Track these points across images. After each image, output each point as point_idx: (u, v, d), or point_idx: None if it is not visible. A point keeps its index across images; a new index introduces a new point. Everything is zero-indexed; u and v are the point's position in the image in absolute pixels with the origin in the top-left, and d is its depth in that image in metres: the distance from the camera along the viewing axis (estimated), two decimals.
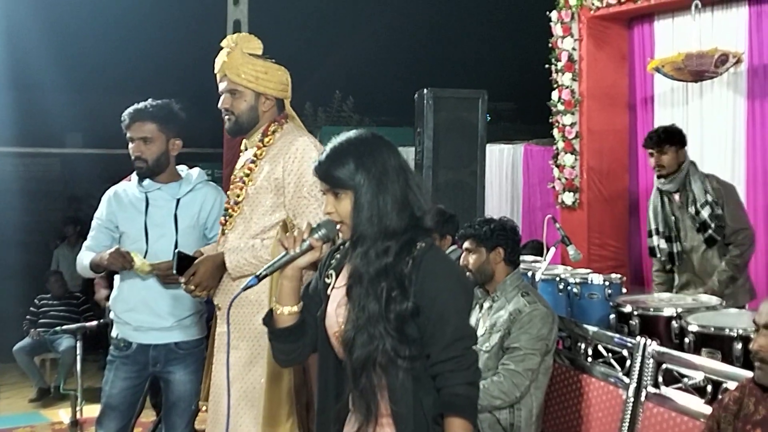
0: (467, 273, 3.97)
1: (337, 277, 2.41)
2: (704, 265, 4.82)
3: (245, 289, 2.34)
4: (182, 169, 3.95)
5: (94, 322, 4.50)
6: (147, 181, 3.82)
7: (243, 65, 3.27)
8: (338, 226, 2.33)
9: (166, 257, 3.60)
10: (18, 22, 10.72)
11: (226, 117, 3.35)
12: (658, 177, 4.85)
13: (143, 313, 3.75)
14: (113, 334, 3.90)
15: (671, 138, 4.84)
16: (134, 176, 3.87)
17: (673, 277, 5.04)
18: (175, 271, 3.31)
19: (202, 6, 11.95)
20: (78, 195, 12.02)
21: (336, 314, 2.35)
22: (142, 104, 3.79)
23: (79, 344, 4.49)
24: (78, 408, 4.57)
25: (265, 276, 2.33)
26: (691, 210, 4.79)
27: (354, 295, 2.29)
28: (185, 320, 3.78)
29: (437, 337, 2.24)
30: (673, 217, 4.93)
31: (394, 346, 2.22)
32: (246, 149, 3.44)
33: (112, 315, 3.95)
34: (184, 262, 3.30)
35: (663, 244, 4.97)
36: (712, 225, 4.73)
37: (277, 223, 3.23)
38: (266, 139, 3.31)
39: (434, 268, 2.27)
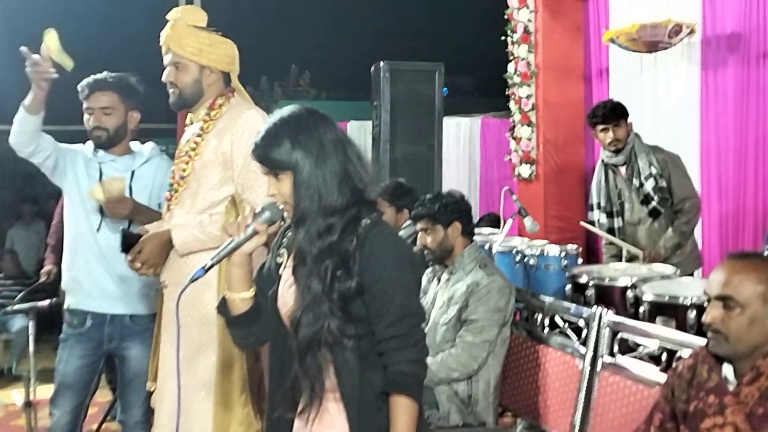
0: (427, 252, 3.97)
1: (289, 256, 2.38)
2: (652, 238, 4.87)
3: (192, 281, 2.28)
4: (135, 144, 3.89)
5: (47, 301, 4.42)
6: (101, 153, 3.76)
7: (186, 37, 3.21)
8: (282, 207, 2.28)
9: (120, 229, 3.55)
10: None
11: (171, 90, 3.28)
12: (615, 151, 4.85)
13: (98, 277, 3.69)
14: (65, 305, 3.83)
15: (623, 111, 4.86)
16: (87, 146, 3.80)
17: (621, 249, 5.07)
18: (121, 250, 3.25)
19: None
20: (31, 172, 11.79)
21: (287, 294, 2.32)
22: (101, 75, 3.75)
23: (31, 324, 4.40)
24: (32, 389, 4.50)
25: (212, 266, 2.27)
26: (636, 182, 4.82)
27: (299, 275, 2.27)
28: (141, 290, 3.71)
29: (382, 315, 2.22)
30: (617, 191, 4.95)
31: (339, 325, 2.19)
32: (191, 123, 3.37)
33: (63, 282, 3.87)
34: (129, 239, 3.23)
35: (603, 219, 4.98)
36: (655, 197, 4.75)
37: (225, 198, 3.17)
38: (213, 113, 3.25)
39: (379, 246, 2.24)
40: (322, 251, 2.21)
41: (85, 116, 3.74)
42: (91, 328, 3.73)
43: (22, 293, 5.66)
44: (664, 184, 4.75)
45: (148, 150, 3.89)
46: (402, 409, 2.20)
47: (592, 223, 5.06)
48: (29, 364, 4.56)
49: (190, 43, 3.20)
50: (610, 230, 4.96)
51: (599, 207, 5.02)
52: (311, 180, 2.22)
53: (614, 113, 4.83)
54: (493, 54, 7.52)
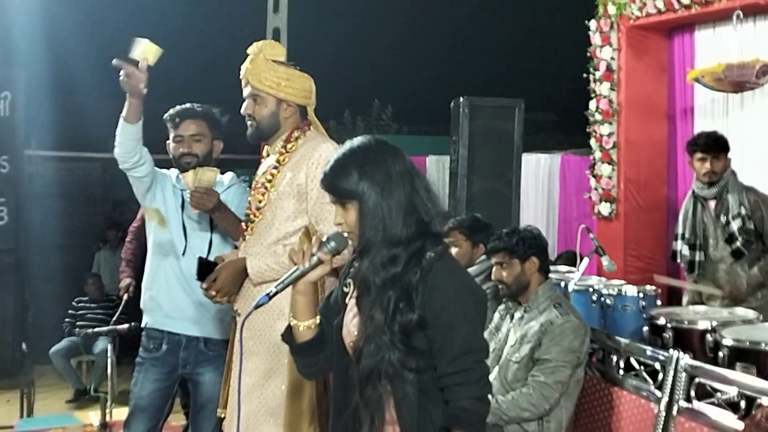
0: (501, 287, 3.94)
1: (355, 286, 2.38)
2: (732, 277, 4.74)
3: (257, 307, 2.32)
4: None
5: (126, 325, 4.54)
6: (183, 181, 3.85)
7: (265, 71, 3.28)
8: (347, 236, 2.30)
9: (202, 254, 3.61)
10: (61, 26, 10.87)
11: (248, 122, 3.36)
12: (708, 183, 4.76)
13: (177, 299, 3.77)
14: (143, 323, 3.92)
15: (725, 145, 4.79)
16: (172, 173, 3.91)
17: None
18: (196, 277, 3.31)
19: (243, 14, 12.04)
20: (120, 199, 12.16)
21: (351, 324, 2.33)
22: (188, 105, 3.86)
23: (110, 346, 4.54)
24: (108, 410, 4.61)
25: (276, 294, 2.30)
26: (723, 219, 4.71)
27: (363, 305, 2.27)
28: (216, 315, 3.76)
29: (445, 349, 2.19)
30: (703, 225, 4.86)
31: (400, 357, 2.18)
32: (268, 155, 3.44)
33: (142, 303, 3.96)
34: (205, 267, 3.30)
35: (685, 251, 4.91)
36: (740, 238, 4.65)
37: (299, 229, 3.22)
38: (289, 146, 3.31)
39: (443, 279, 2.23)
40: (386, 282, 2.22)
41: (173, 144, 3.83)
42: (167, 353, 3.80)
43: (114, 318, 5.75)
44: (751, 226, 4.64)
45: (228, 179, 3.97)
46: None
47: (674, 252, 4.97)
48: (108, 386, 4.68)
49: (269, 77, 3.28)
50: (691, 263, 4.90)
51: (683, 238, 4.95)
52: (376, 210, 2.23)
53: (716, 144, 4.76)
54: (575, 90, 7.46)
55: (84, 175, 12.89)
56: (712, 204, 4.80)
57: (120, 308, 5.78)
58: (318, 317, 2.38)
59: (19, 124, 6.85)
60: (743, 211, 4.65)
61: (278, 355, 3.13)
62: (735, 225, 4.65)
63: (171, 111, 3.83)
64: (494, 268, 3.95)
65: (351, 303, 2.37)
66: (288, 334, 2.41)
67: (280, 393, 3.14)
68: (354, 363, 2.29)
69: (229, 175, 4.02)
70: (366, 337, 2.22)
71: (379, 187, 2.24)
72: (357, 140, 2.35)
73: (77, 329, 7.82)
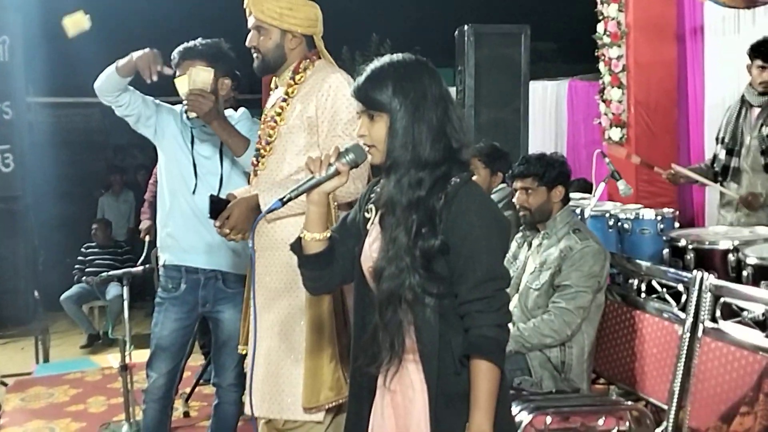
0: (523, 213, 3.89)
1: (377, 212, 2.34)
2: (750, 189, 4.71)
3: (269, 211, 2.32)
4: (228, 111, 3.90)
5: (140, 267, 4.51)
6: (193, 117, 3.78)
7: (266, 1, 3.15)
8: (368, 150, 2.25)
9: (213, 191, 3.56)
10: None
11: (255, 55, 3.26)
12: (762, 93, 4.70)
13: (193, 235, 3.73)
14: (161, 261, 3.89)
15: None
16: (181, 109, 3.82)
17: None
18: (209, 216, 3.24)
19: None
20: (121, 144, 12.08)
21: (371, 249, 2.29)
22: (192, 42, 3.74)
23: (125, 290, 4.52)
24: (127, 353, 4.62)
25: (290, 200, 2.27)
26: (765, 131, 4.64)
27: (386, 225, 2.23)
28: (236, 249, 3.70)
29: (467, 276, 2.16)
30: (740, 131, 4.80)
31: (420, 282, 2.15)
32: (276, 87, 3.34)
33: (158, 240, 3.91)
34: (217, 205, 3.23)
35: (722, 155, 4.87)
36: None
37: None
38: (297, 77, 3.20)
39: (468, 205, 2.18)
40: (410, 203, 2.17)
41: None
42: (186, 292, 3.77)
43: (141, 259, 5.74)
44: None
45: (239, 114, 3.89)
46: (484, 374, 2.14)
47: (714, 157, 4.97)
48: (124, 330, 4.69)
49: (270, 7, 3.15)
50: (726, 168, 4.87)
51: (722, 142, 4.91)
52: (408, 129, 2.18)
53: None
54: (576, 17, 7.31)
55: (83, 122, 12.80)
56: (756, 111, 4.73)
57: (145, 251, 5.76)
58: (328, 231, 2.34)
59: (18, 70, 6.75)
60: None
61: (297, 291, 3.09)
62: None
63: (175, 51, 3.73)
64: (518, 193, 3.88)
65: (372, 228, 2.33)
66: (297, 245, 2.37)
67: (299, 329, 3.12)
68: (373, 288, 2.27)
69: (242, 110, 3.94)
70: (388, 259, 2.18)
71: (413, 105, 2.18)
72: (398, 55, 2.28)
73: (87, 276, 7.83)
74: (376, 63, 2.26)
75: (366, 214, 2.38)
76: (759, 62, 4.66)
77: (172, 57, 3.72)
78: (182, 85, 3.48)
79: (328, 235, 2.34)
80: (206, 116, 3.47)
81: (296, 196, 2.28)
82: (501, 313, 2.19)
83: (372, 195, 2.39)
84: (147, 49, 3.53)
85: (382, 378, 2.31)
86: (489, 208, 2.26)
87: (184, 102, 3.49)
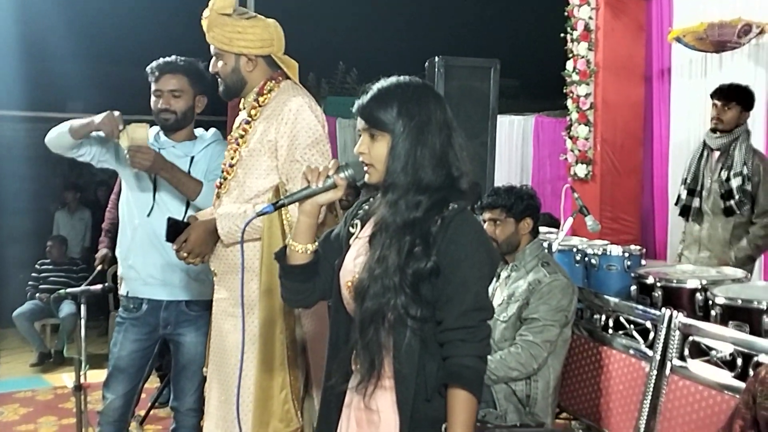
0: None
1: (362, 227, 2.32)
2: (711, 233, 4.78)
3: (259, 215, 2.27)
4: (199, 131, 3.84)
5: (99, 286, 4.40)
6: (162, 139, 3.71)
7: (216, 27, 3.10)
8: (366, 168, 2.23)
9: (177, 214, 3.49)
10: None
11: (219, 80, 3.22)
12: (713, 130, 4.80)
13: (153, 264, 3.65)
14: (122, 291, 3.79)
15: (739, 96, 4.78)
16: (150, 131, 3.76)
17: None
18: (165, 239, 3.17)
19: None
20: (77, 161, 11.85)
21: (354, 264, 2.25)
22: (171, 58, 3.69)
23: (82, 308, 4.39)
24: (82, 372, 4.49)
25: (283, 205, 2.25)
26: (723, 175, 4.70)
27: (376, 243, 2.19)
28: (198, 276, 3.64)
29: (454, 303, 2.13)
30: (701, 174, 4.86)
31: (405, 303, 2.11)
32: (243, 108, 3.28)
33: (120, 270, 3.83)
34: (175, 228, 3.15)
35: (684, 195, 4.98)
36: (736, 197, 4.65)
37: (272, 187, 3.06)
38: (261, 99, 3.15)
39: (463, 232, 2.16)
40: (405, 224, 2.15)
41: (153, 99, 3.68)
42: (147, 313, 3.69)
43: (88, 280, 5.61)
44: (749, 188, 4.64)
45: (209, 135, 3.83)
46: (462, 404, 2.11)
47: (678, 197, 5.07)
48: (79, 349, 4.56)
49: (220, 32, 3.10)
50: (686, 208, 4.97)
51: (684, 182, 5.00)
52: (409, 152, 2.16)
53: (731, 93, 4.79)
54: (544, 54, 7.37)
55: (40, 137, 12.57)
56: (716, 155, 4.79)
57: (92, 276, 5.64)
58: (315, 243, 2.31)
59: None
60: (745, 171, 4.65)
61: (251, 317, 3.03)
62: (735, 183, 4.65)
63: (153, 63, 3.67)
64: (486, 224, 3.86)
65: (356, 243, 2.30)
66: (281, 254, 2.34)
67: (251, 356, 3.04)
68: (348, 305, 2.25)
69: (212, 131, 3.87)
70: (374, 277, 2.14)
71: (417, 129, 2.17)
72: (405, 77, 2.28)
73: (41, 293, 7.66)
74: (383, 83, 2.25)
75: (351, 229, 2.35)
76: (714, 99, 4.78)
77: (150, 70, 3.66)
78: (123, 139, 3.46)
79: (315, 248, 2.31)
80: (150, 169, 3.47)
81: (290, 203, 2.26)
82: (483, 344, 2.16)
83: (360, 212, 2.37)
84: (108, 112, 3.47)
85: (350, 397, 2.28)
86: (483, 239, 2.25)
87: (126, 156, 3.46)
